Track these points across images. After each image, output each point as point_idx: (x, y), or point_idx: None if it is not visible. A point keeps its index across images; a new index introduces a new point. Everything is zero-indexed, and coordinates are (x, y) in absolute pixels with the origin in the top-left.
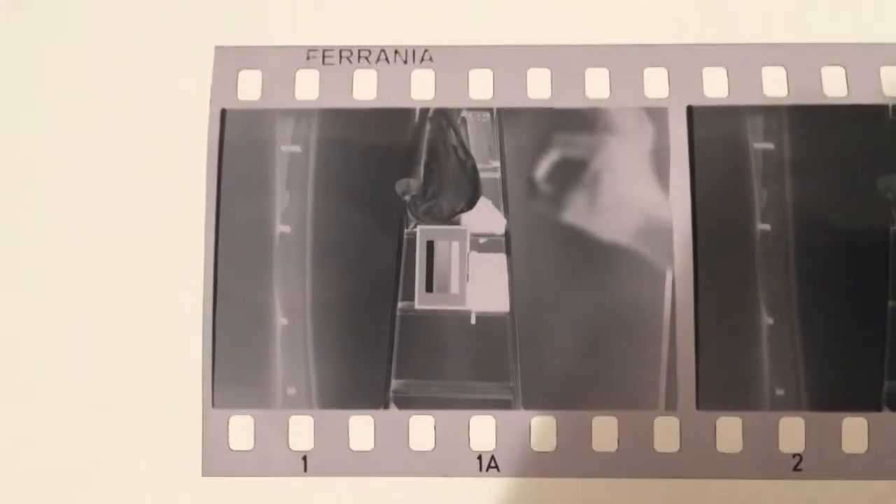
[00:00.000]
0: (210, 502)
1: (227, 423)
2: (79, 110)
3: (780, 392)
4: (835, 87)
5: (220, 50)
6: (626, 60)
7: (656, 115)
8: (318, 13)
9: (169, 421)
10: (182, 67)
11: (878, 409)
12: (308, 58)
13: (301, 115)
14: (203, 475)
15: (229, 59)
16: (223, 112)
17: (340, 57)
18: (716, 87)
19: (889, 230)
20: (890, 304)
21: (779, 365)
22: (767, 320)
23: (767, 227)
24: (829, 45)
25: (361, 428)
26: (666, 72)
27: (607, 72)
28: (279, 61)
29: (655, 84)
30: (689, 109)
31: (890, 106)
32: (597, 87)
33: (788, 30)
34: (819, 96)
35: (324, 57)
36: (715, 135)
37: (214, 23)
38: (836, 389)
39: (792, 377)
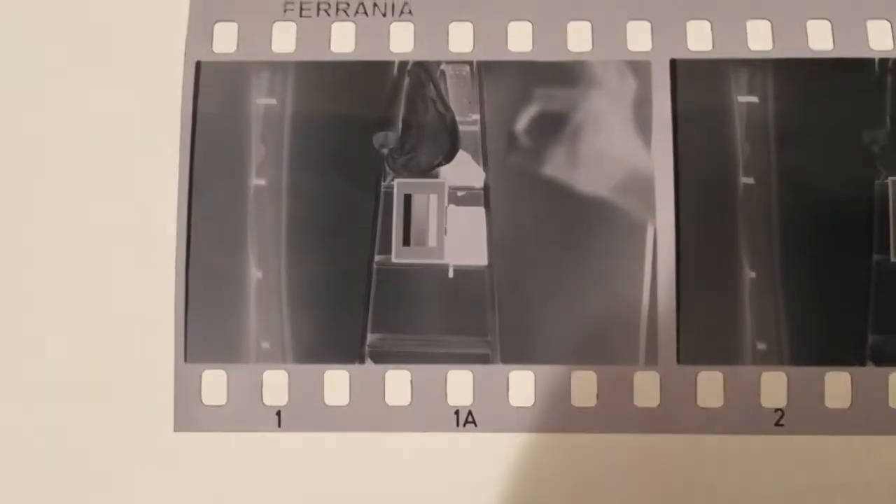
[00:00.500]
0: (183, 457)
1: (200, 378)
2: (50, 63)
3: (761, 346)
4: (820, 40)
5: (195, 1)
6: (609, 13)
7: (639, 68)
8: None
9: (140, 375)
10: (156, 19)
11: (862, 364)
12: (285, 10)
13: (277, 67)
14: (175, 430)
15: (205, 11)
16: (198, 64)
17: (318, 9)
18: (699, 41)
19: (874, 183)
20: (875, 257)
21: (761, 319)
22: (750, 274)
23: (751, 180)
24: None
25: (336, 383)
26: (649, 25)
27: (589, 24)
28: (255, 13)
29: (638, 37)
30: (673, 63)
31: (876, 60)
32: (578, 39)
33: None
34: (804, 50)
35: (301, 9)
36: (698, 88)
37: None
38: (819, 344)
39: (774, 332)
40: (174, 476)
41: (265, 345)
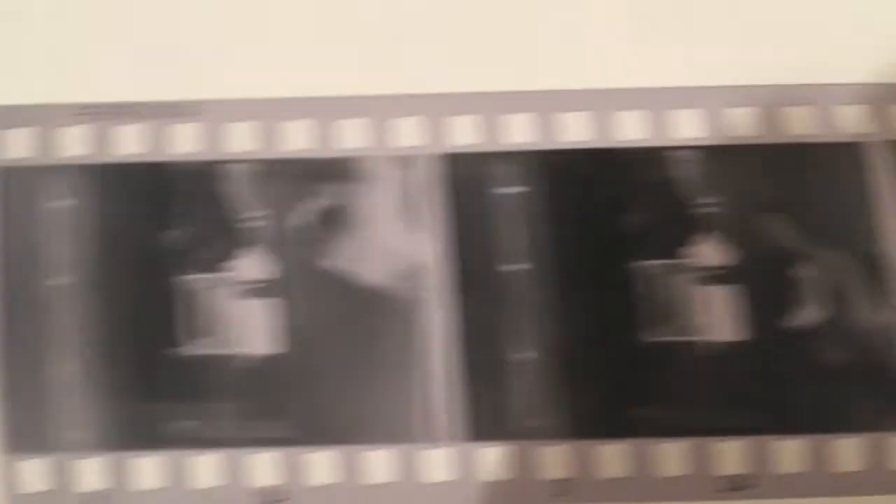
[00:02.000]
0: None
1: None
2: None
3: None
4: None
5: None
6: (381, 110)
7: (409, 162)
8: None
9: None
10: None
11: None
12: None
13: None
14: None
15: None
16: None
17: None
18: (466, 134)
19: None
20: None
21: (537, 396)
22: (531, 354)
23: (529, 266)
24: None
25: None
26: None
27: (363, 122)
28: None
29: (409, 132)
30: (444, 157)
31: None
32: (352, 136)
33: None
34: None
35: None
36: (463, 179)
37: None
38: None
39: (551, 408)
40: None
41: (75, 435)
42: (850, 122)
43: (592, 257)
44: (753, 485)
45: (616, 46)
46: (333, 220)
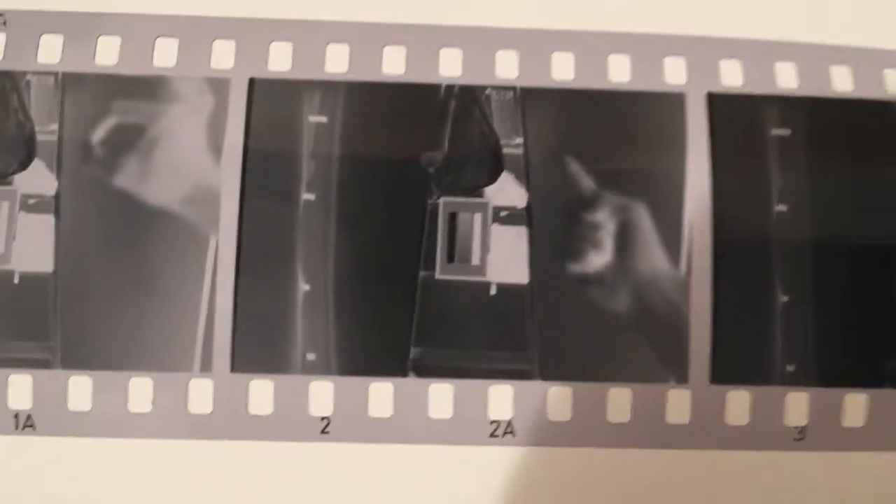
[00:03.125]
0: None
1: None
2: None
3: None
4: (394, 66)
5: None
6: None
7: (218, 85)
8: None
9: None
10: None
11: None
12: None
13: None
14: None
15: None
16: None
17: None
18: (280, 62)
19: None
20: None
21: (312, 331)
22: (304, 287)
23: (312, 196)
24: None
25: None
26: (234, 44)
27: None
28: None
29: (222, 55)
30: (251, 81)
31: (443, 86)
32: (162, 55)
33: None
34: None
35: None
36: (274, 107)
37: None
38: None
39: (325, 344)
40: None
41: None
42: (670, 73)
43: (387, 191)
44: (522, 431)
45: None
46: (128, 139)
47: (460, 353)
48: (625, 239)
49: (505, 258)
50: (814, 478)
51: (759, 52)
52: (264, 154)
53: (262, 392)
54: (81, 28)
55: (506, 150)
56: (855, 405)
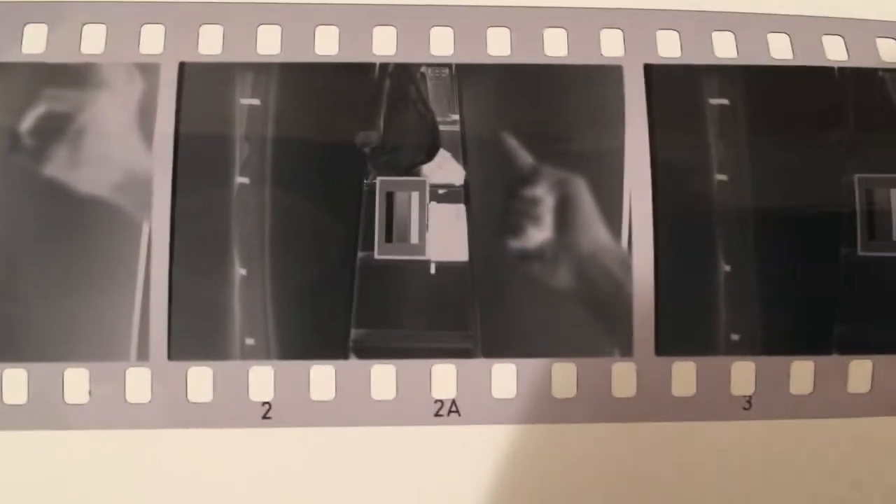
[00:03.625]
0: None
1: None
2: None
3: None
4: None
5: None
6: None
7: (147, 70)
8: None
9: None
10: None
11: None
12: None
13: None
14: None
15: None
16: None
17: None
18: (210, 45)
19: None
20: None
21: (250, 316)
22: (240, 272)
23: (246, 180)
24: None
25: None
26: (163, 28)
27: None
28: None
29: (150, 41)
30: (181, 66)
31: (377, 64)
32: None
33: None
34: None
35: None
36: (205, 91)
37: None
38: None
39: (262, 329)
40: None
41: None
42: (607, 46)
43: (323, 172)
44: (466, 409)
45: None
46: (57, 127)
47: (402, 334)
48: (565, 213)
49: (444, 236)
50: (762, 446)
51: (696, 23)
52: (196, 138)
53: (201, 379)
54: (6, 16)
55: (442, 128)
56: (801, 372)
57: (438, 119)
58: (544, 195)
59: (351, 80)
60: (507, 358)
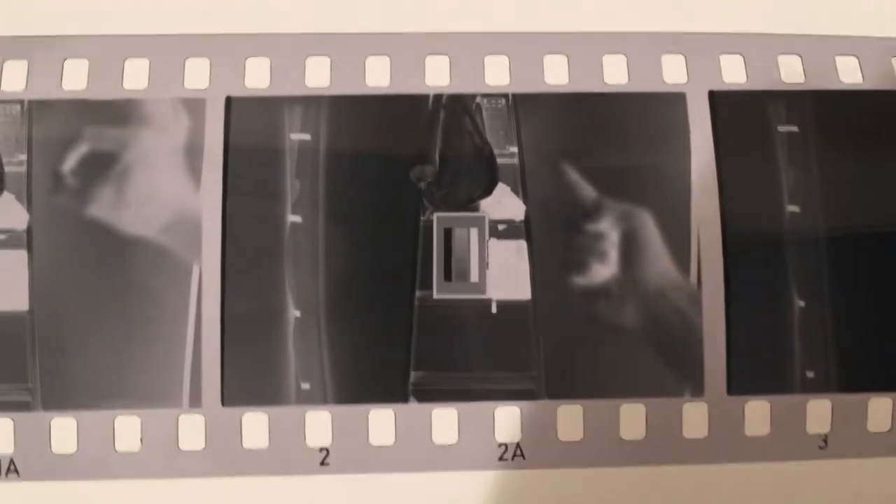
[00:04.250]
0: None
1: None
2: None
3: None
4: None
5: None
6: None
7: (195, 106)
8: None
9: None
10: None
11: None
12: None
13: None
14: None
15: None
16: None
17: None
18: (255, 78)
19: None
20: None
21: (306, 359)
22: (294, 313)
23: (298, 219)
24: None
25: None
26: (208, 62)
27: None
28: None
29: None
30: (228, 100)
31: (431, 95)
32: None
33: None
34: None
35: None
36: (253, 126)
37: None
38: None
39: (320, 371)
40: None
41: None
42: (669, 72)
43: (377, 209)
44: (531, 453)
45: None
46: (101, 166)
47: (463, 376)
48: (630, 248)
49: (505, 274)
50: (839, 486)
51: (761, 46)
52: (246, 176)
53: (255, 425)
54: (47, 52)
55: (500, 161)
56: (879, 410)
57: (496, 151)
58: (608, 229)
59: (404, 113)
60: (572, 399)
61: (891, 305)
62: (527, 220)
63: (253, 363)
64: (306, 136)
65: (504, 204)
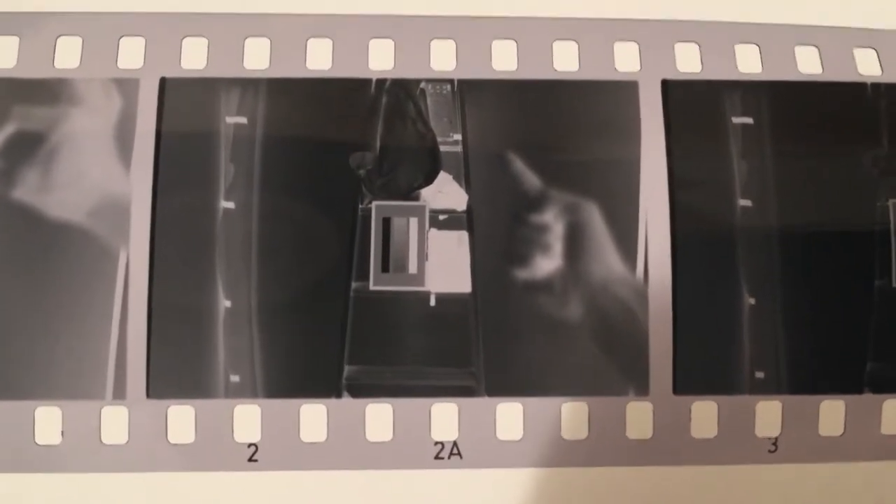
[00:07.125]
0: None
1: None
2: None
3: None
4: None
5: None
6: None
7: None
8: None
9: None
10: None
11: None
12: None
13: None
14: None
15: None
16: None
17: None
18: (191, 59)
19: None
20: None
21: (236, 351)
22: (225, 303)
23: (231, 205)
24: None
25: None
26: (143, 41)
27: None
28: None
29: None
30: (163, 81)
31: (374, 80)
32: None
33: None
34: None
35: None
36: (188, 108)
37: None
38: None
39: (250, 364)
40: None
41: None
42: (621, 60)
43: (314, 196)
44: (469, 452)
45: None
46: (28, 147)
47: (399, 370)
48: (575, 241)
49: (445, 266)
50: (789, 492)
51: (717, 35)
52: (178, 160)
53: (182, 419)
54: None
55: (443, 148)
56: (832, 412)
57: (439, 139)
58: (553, 221)
59: (345, 97)
60: (512, 396)
61: (845, 305)
62: (469, 211)
63: (180, 354)
64: (243, 120)
65: (446, 193)
